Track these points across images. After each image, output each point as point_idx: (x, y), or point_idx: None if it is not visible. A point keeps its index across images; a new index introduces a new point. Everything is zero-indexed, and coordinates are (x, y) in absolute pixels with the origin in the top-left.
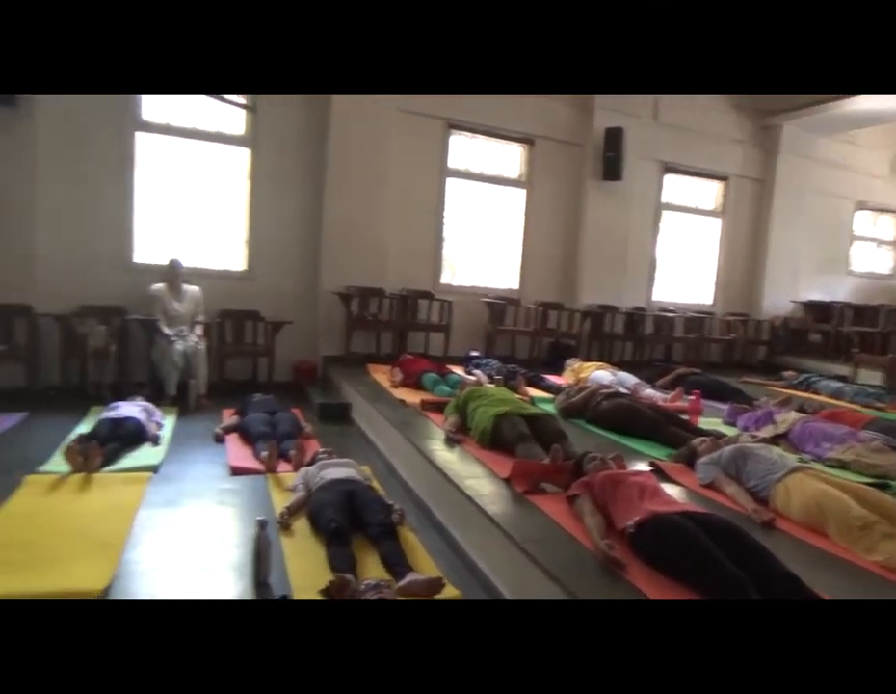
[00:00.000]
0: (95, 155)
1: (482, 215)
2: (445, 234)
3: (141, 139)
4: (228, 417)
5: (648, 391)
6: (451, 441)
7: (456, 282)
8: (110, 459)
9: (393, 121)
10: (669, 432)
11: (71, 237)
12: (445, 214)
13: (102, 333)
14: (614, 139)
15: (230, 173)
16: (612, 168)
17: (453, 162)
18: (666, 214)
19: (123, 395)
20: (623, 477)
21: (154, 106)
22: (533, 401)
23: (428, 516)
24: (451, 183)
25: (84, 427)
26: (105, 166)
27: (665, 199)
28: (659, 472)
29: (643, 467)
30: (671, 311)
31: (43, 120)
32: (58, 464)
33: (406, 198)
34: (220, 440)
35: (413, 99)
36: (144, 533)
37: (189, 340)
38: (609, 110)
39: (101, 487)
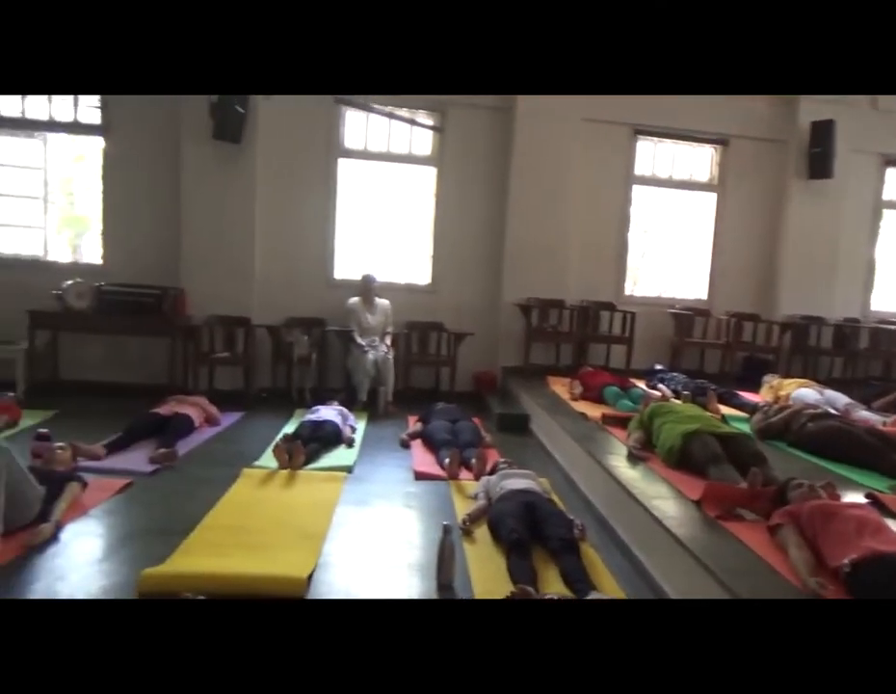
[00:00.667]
0: (304, 182)
1: (668, 222)
2: (629, 243)
3: (342, 164)
4: (413, 424)
5: (863, 413)
6: (635, 458)
7: (639, 293)
8: (311, 458)
9: (577, 131)
10: (891, 460)
11: (282, 257)
12: (630, 222)
13: (305, 343)
14: (822, 133)
15: (418, 191)
16: (820, 165)
17: (639, 168)
18: (887, 213)
19: (322, 400)
20: (838, 509)
21: (353, 134)
22: (725, 419)
23: (610, 533)
24: (636, 190)
25: (289, 427)
26: (312, 191)
27: (886, 196)
28: (879, 505)
29: (857, 498)
30: (892, 323)
31: (262, 151)
32: (268, 459)
33: (589, 207)
34: (405, 445)
35: (598, 108)
36: (340, 528)
37: (379, 350)
38: (817, 101)
39: (304, 483)
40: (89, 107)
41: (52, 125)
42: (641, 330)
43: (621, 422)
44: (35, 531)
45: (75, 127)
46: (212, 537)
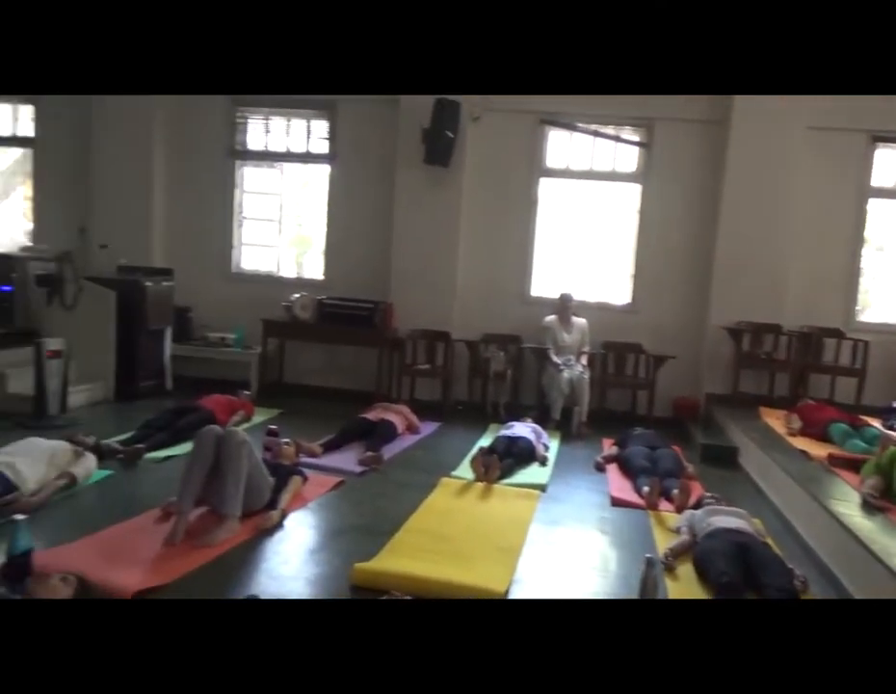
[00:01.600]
0: (506, 202)
1: None
2: (863, 263)
3: (543, 183)
4: (608, 447)
5: None
6: (871, 507)
7: (873, 319)
8: (506, 473)
9: (801, 140)
10: None
11: (482, 274)
12: (864, 239)
13: (502, 359)
14: None
15: (621, 209)
16: None
17: (877, 179)
18: None
19: (516, 415)
20: None
21: (556, 154)
22: None
23: (836, 588)
24: (872, 203)
25: (484, 441)
26: (513, 210)
27: None
28: None
29: None
30: None
31: (468, 174)
32: (465, 470)
33: (813, 222)
34: (600, 468)
35: (826, 114)
36: (534, 546)
37: (575, 369)
38: None
39: (500, 497)
40: (319, 138)
41: (288, 156)
42: (875, 360)
43: (852, 465)
44: (266, 517)
45: (307, 157)
46: (414, 540)
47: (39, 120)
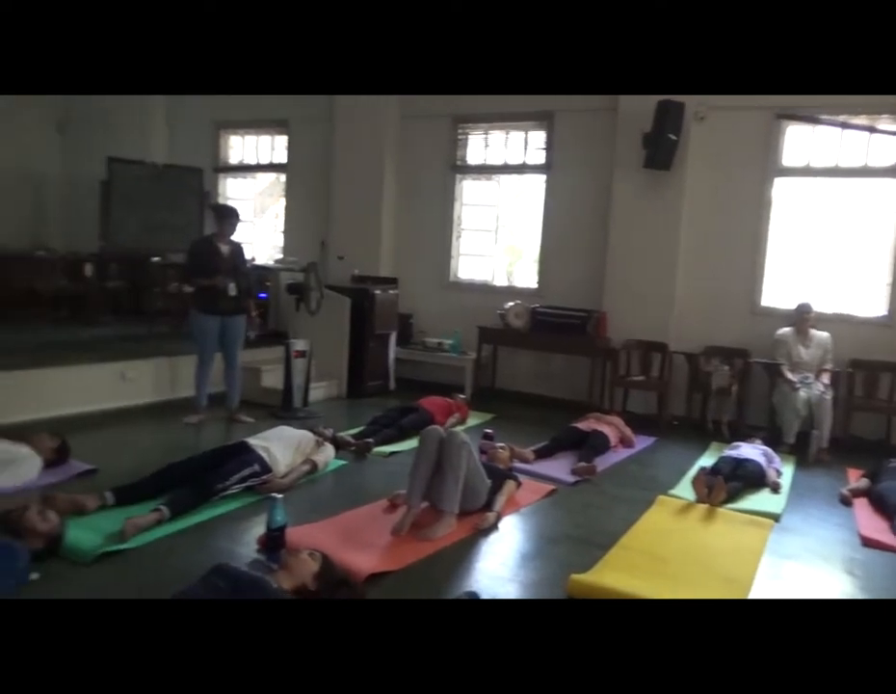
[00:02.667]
0: (733, 204)
1: None
2: None
3: (778, 183)
4: (856, 479)
5: None
6: None
7: None
8: (732, 496)
9: None
10: None
11: (704, 282)
12: None
13: (726, 374)
14: None
15: (875, 208)
16: None
17: None
18: None
19: (741, 435)
20: None
21: (794, 150)
22: None
23: None
24: None
25: (705, 460)
26: (741, 214)
27: None
28: None
29: None
30: None
31: (691, 176)
32: (685, 490)
33: None
34: (846, 502)
35: None
36: (768, 581)
37: (814, 389)
38: None
39: (725, 522)
40: (536, 149)
41: (506, 168)
42: None
43: None
44: (483, 517)
45: (524, 168)
46: (630, 557)
47: (291, 147)
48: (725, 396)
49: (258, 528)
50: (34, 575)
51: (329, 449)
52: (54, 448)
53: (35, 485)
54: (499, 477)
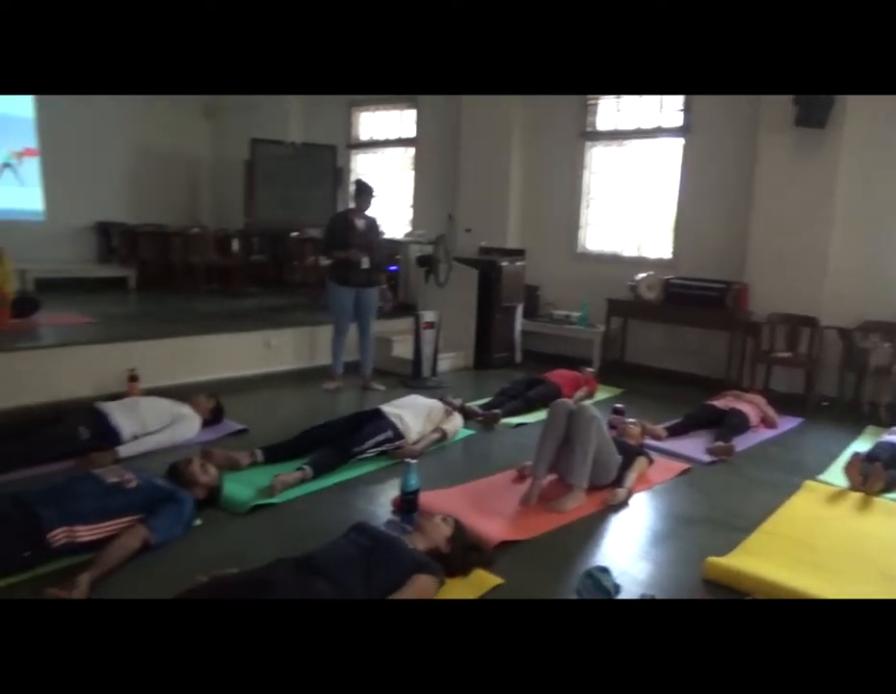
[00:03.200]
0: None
1: None
2: None
3: None
4: None
5: None
6: None
7: None
8: (892, 486)
9: None
10: None
11: (862, 250)
12: None
13: (886, 351)
14: None
15: None
16: None
17: None
18: None
19: None
20: None
21: None
22: None
23: None
24: None
25: (860, 445)
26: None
27: None
28: None
29: None
30: None
31: (850, 133)
32: (836, 476)
33: None
34: None
35: None
36: None
37: None
38: None
39: (882, 513)
40: (674, 112)
41: (639, 133)
42: None
43: None
44: (613, 492)
45: (658, 132)
46: (773, 543)
47: (420, 122)
48: (885, 376)
49: (392, 491)
50: (197, 522)
51: (458, 418)
52: (210, 409)
53: (195, 441)
54: (630, 453)
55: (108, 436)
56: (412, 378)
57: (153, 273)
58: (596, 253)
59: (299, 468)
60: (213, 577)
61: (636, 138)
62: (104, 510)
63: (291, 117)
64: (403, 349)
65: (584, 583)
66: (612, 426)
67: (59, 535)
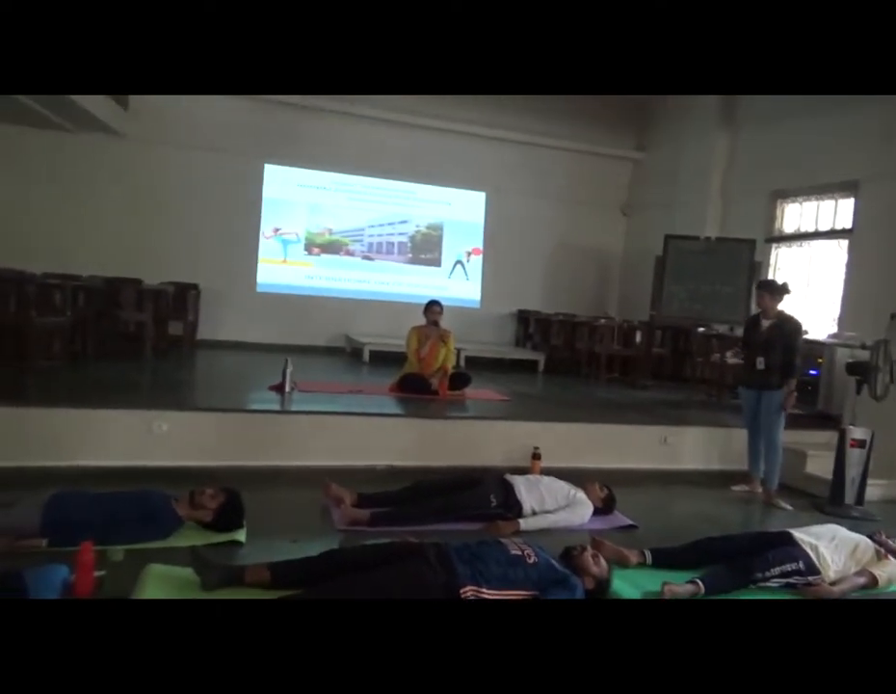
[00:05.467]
0: None
1: None
2: None
3: None
4: None
5: None
6: None
7: None
8: None
9: None
10: None
11: None
12: None
13: None
14: None
15: None
16: None
17: None
18: None
19: None
20: None
21: None
22: None
23: None
24: None
25: None
26: None
27: None
28: None
29: None
30: None
31: None
32: None
33: None
34: None
35: None
36: None
37: None
38: None
39: None
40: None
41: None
42: None
43: None
44: None
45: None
46: None
47: (860, 209)
48: None
49: None
50: None
51: (895, 565)
52: (603, 498)
53: (585, 528)
54: None
55: (513, 507)
56: (830, 502)
57: (561, 357)
58: None
59: (691, 581)
60: None
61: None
62: (506, 579)
63: (708, 210)
64: (819, 466)
65: None
66: None
67: (468, 592)
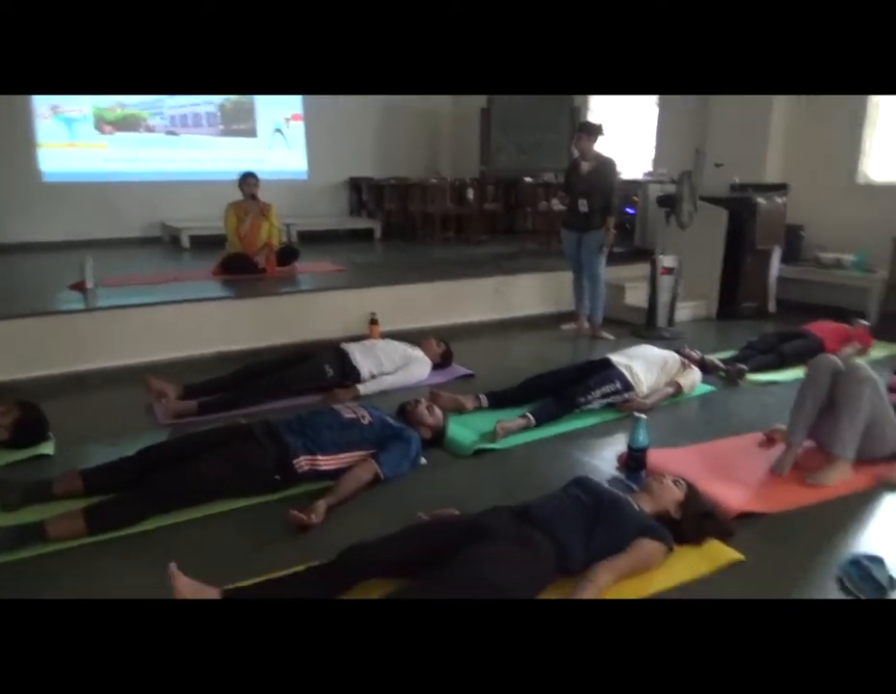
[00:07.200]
0: None
1: None
2: None
3: None
4: None
5: None
6: None
7: None
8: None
9: None
10: None
11: None
12: None
13: None
14: None
15: None
16: None
17: None
18: None
19: None
20: None
21: None
22: None
23: None
24: None
25: None
26: None
27: None
28: None
29: None
30: None
31: None
32: None
33: None
34: None
35: None
36: None
37: None
38: None
39: None
40: None
41: None
42: None
43: None
44: (890, 468)
45: None
46: None
47: None
48: None
49: (617, 446)
50: (422, 461)
51: (696, 372)
52: (440, 353)
53: (425, 383)
54: None
55: (350, 374)
56: (646, 327)
57: (396, 223)
58: (883, 184)
59: (522, 416)
60: (433, 516)
61: None
62: (341, 443)
63: None
64: (637, 297)
65: (847, 571)
66: (891, 389)
67: (302, 462)
